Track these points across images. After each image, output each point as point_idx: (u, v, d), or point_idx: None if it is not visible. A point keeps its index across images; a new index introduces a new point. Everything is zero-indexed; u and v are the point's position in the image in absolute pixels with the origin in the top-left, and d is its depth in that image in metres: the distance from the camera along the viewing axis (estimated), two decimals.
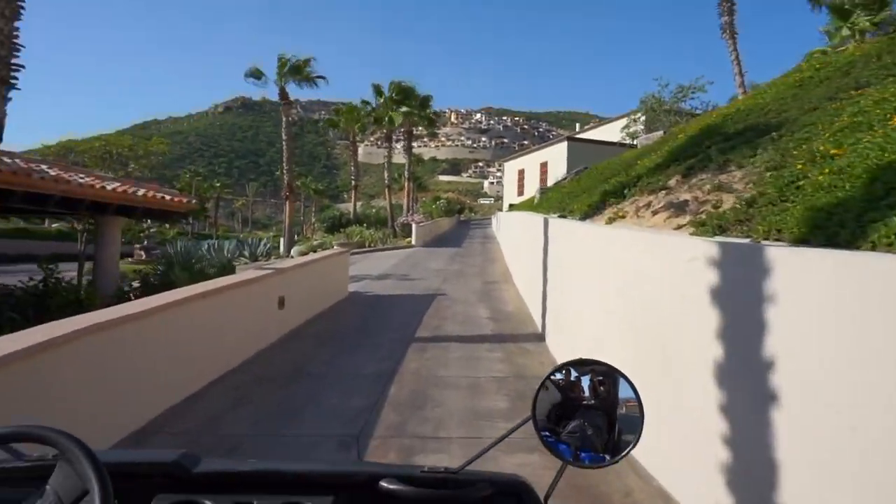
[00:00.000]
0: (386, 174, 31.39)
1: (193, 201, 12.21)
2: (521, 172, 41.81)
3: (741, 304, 3.00)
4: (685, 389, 3.53)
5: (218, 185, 75.45)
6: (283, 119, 25.52)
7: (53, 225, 73.73)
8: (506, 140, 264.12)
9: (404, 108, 29.30)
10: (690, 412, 3.44)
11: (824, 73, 8.20)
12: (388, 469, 1.17)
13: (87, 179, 9.62)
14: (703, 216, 4.75)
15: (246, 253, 24.51)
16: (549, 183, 36.45)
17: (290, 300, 7.90)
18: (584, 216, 8.01)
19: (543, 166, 38.35)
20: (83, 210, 9.94)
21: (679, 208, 5.38)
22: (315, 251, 23.77)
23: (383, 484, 1.11)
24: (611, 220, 6.42)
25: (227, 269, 11.39)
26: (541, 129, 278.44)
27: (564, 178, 15.17)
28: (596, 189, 10.34)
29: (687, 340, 3.53)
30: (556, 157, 36.56)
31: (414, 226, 25.04)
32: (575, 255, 6.16)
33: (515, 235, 14.77)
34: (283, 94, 25.24)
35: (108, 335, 4.10)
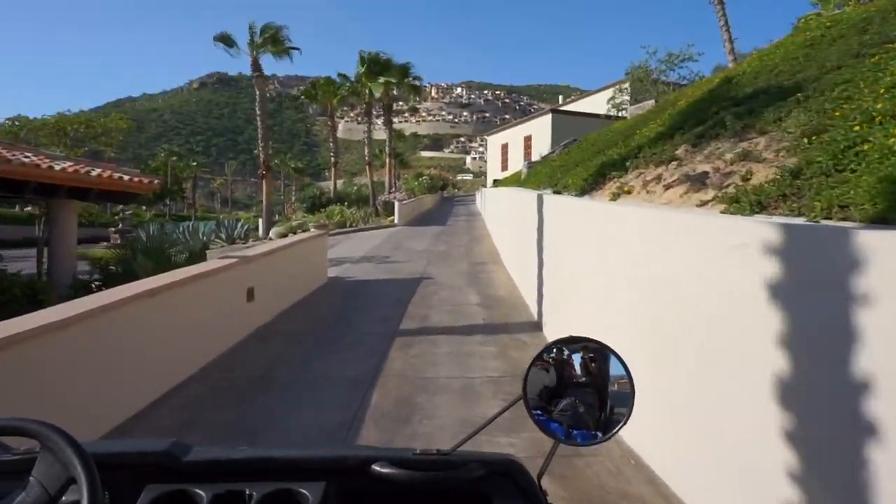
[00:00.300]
0: (366, 150, 30.36)
1: (156, 181, 11.31)
2: (505, 147, 40.98)
3: (817, 303, 2.31)
4: (723, 408, 2.87)
5: (195, 164, 73.68)
6: (258, 93, 24.39)
7: (26, 209, 71.79)
8: (487, 114, 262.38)
9: (382, 79, 28.16)
10: (730, 443, 2.77)
11: (837, 31, 7.49)
12: (380, 452, 1.18)
13: (33, 158, 8.69)
14: (733, 190, 4.05)
15: (223, 235, 23.57)
16: (535, 157, 35.69)
17: (261, 291, 7.14)
18: (582, 192, 7.29)
19: (527, 140, 37.54)
20: (30, 193, 9.02)
21: (698, 181, 4.68)
22: (294, 232, 22.89)
23: (375, 468, 1.12)
24: (615, 196, 5.71)
25: (198, 255, 10.55)
26: (522, 103, 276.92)
27: (552, 152, 14.43)
28: (590, 162, 9.61)
29: (735, 346, 2.85)
30: (540, 131, 35.75)
31: (396, 204, 24.21)
32: (576, 235, 5.45)
33: (503, 213, 14.07)
34: (256, 66, 24.06)
35: (17, 352, 3.31)
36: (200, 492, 1.03)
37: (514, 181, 18.02)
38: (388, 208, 26.24)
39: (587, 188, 7.25)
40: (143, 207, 69.34)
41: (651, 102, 14.86)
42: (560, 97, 46.67)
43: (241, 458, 1.18)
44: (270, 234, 23.31)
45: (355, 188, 33.96)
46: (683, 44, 28.82)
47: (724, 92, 7.76)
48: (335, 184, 30.76)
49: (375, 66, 28.37)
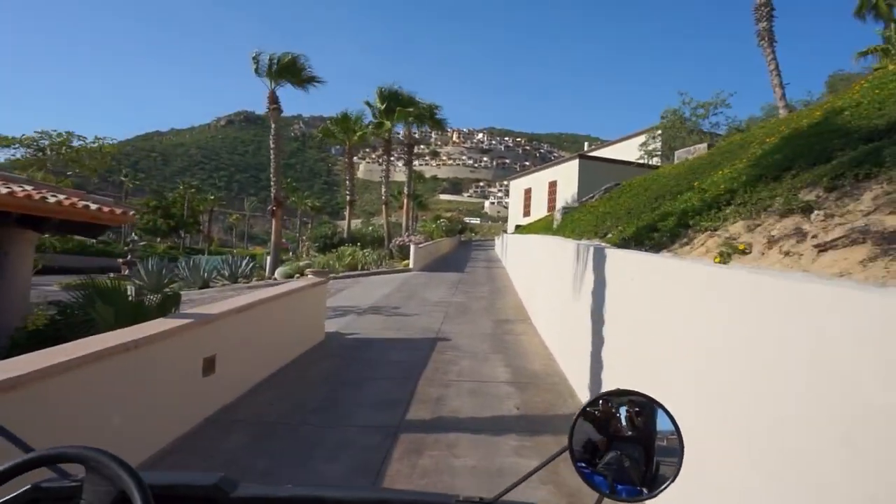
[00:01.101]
0: (383, 189, 28.92)
1: (131, 213, 9.71)
2: (528, 192, 39.51)
3: None
4: None
5: (212, 198, 73.16)
6: (272, 125, 23.12)
7: None
8: (507, 160, 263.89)
9: (400, 111, 26.89)
10: None
11: None
12: (423, 497, 1.23)
13: None
14: None
15: (225, 272, 22.01)
16: (559, 203, 34.12)
17: (228, 358, 5.41)
18: (653, 247, 5.55)
19: (552, 186, 36.04)
20: None
21: (890, 241, 2.92)
22: (302, 273, 21.26)
23: None
24: (725, 258, 3.95)
25: (169, 301, 8.85)
26: (542, 151, 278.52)
27: (591, 197, 12.75)
28: (648, 209, 7.89)
29: None
30: (566, 176, 34.26)
31: (412, 247, 22.55)
32: (677, 313, 3.66)
33: (532, 263, 12.34)
34: (273, 98, 22.89)
35: None
36: None
37: (544, 227, 16.32)
38: (404, 251, 24.58)
39: (663, 242, 5.49)
40: (158, 239, 68.72)
41: (703, 146, 13.19)
42: (586, 144, 45.32)
43: (287, 496, 1.20)
44: (276, 274, 21.71)
45: (370, 228, 32.43)
46: (712, 93, 27.63)
47: (835, 125, 6.05)
48: (349, 223, 29.22)
49: (394, 102, 27.15)
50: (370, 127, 28.45)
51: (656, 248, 5.48)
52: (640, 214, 7.84)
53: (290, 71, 22.48)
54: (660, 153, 29.46)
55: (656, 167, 26.53)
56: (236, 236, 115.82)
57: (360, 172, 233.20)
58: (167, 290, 10.04)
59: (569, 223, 11.57)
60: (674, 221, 5.66)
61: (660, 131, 29.78)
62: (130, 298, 8.65)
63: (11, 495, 1.08)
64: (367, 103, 27.61)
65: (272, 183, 23.49)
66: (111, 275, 21.83)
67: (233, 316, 5.59)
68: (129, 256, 34.73)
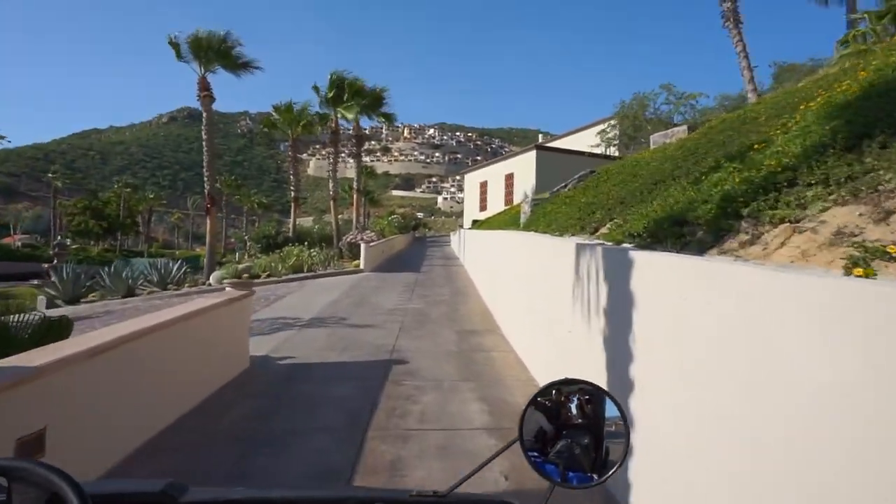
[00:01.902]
0: (331, 184, 26.85)
1: None
2: (484, 185, 38.09)
3: None
4: None
5: (151, 196, 69.07)
6: (204, 114, 20.84)
7: None
8: (459, 155, 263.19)
9: (349, 103, 24.92)
10: None
11: None
12: (377, 493, 1.19)
13: None
14: None
15: (154, 278, 19.67)
16: (517, 196, 32.78)
17: (74, 427, 3.60)
18: (686, 246, 4.02)
19: (509, 178, 34.69)
20: None
21: None
22: (239, 276, 19.14)
23: None
24: (865, 264, 2.42)
25: (58, 327, 6.83)
26: (494, 146, 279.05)
27: (563, 187, 11.25)
28: (648, 197, 6.38)
29: None
30: (523, 168, 32.94)
31: (363, 246, 20.66)
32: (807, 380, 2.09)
33: (497, 262, 10.78)
34: (203, 84, 20.61)
35: None
36: None
37: (508, 222, 14.77)
38: (355, 250, 22.67)
39: (702, 240, 3.94)
40: (92, 242, 64.43)
41: (681, 129, 11.87)
42: (540, 137, 44.17)
43: (239, 498, 1.19)
44: (211, 280, 19.52)
45: (316, 227, 30.38)
46: (656, 85, 26.98)
47: None
48: (294, 221, 27.01)
49: (341, 89, 25.14)
50: (316, 116, 26.35)
51: (695, 247, 3.92)
52: (638, 204, 6.32)
53: (219, 53, 20.21)
54: (617, 142, 28.50)
55: (614, 157, 25.48)
56: (181, 236, 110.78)
57: (311, 169, 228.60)
58: (58, 315, 7.95)
59: (541, 217, 10.04)
60: (712, 210, 4.11)
61: (614, 121, 28.80)
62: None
63: None
64: (315, 88, 25.49)
65: (205, 178, 21.22)
66: (35, 281, 19.31)
67: (82, 364, 3.73)
68: (56, 262, 31.58)
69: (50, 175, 69.22)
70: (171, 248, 75.46)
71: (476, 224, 29.32)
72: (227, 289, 7.01)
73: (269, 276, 19.23)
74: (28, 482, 0.87)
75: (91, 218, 58.18)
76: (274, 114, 26.95)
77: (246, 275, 19.32)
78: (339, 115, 25.91)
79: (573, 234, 7.21)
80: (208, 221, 21.55)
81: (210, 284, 18.88)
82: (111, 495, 1.12)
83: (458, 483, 1.14)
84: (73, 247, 59.00)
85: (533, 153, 32.15)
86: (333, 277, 18.83)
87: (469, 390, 6.14)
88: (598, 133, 28.28)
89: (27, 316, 6.84)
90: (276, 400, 5.82)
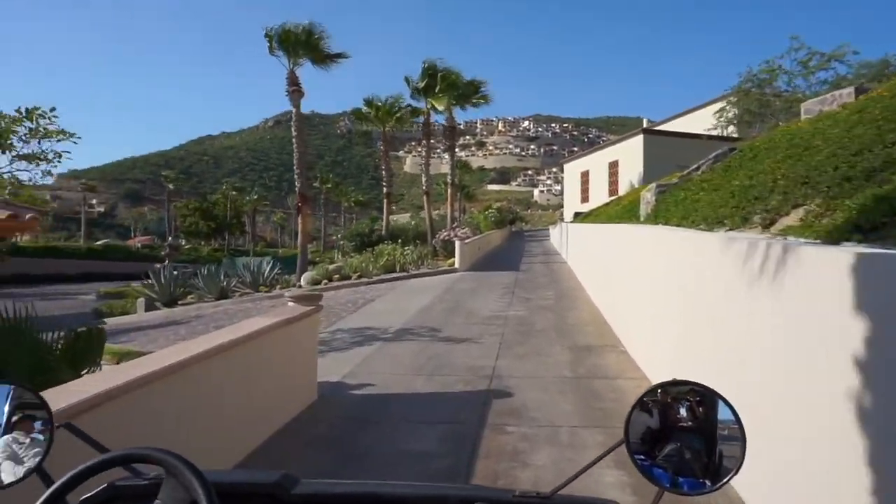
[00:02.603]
0: (423, 178, 25.74)
1: (28, 217, 6.86)
2: (585, 175, 35.69)
3: None
4: None
5: (255, 197, 71.54)
6: (293, 110, 20.24)
7: (97, 242, 71.66)
8: (555, 147, 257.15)
9: (440, 94, 23.56)
10: None
11: None
12: (480, 492, 1.21)
13: None
14: None
15: (247, 279, 19.29)
16: (623, 185, 30.25)
17: None
18: None
19: (613, 166, 32.15)
20: None
21: None
22: (330, 279, 18.38)
23: None
24: None
25: (85, 343, 5.89)
26: (591, 135, 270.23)
27: (695, 169, 9.21)
28: (856, 172, 4.44)
29: None
30: (628, 155, 30.36)
31: (458, 243, 19.26)
32: None
33: (618, 264, 8.98)
34: (293, 78, 20.00)
35: None
36: None
37: (623, 213, 12.81)
38: (449, 247, 21.33)
39: None
40: (202, 242, 67.69)
41: (847, 91, 9.46)
42: (645, 122, 41.03)
43: (347, 492, 1.23)
44: (301, 280, 18.86)
45: (413, 223, 29.39)
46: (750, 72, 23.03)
47: None
48: (387, 218, 26.04)
49: (434, 79, 23.82)
50: (408, 108, 25.26)
51: None
52: (841, 183, 4.42)
53: (307, 45, 19.49)
54: (736, 122, 25.33)
55: (736, 139, 22.53)
56: (286, 235, 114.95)
57: (407, 166, 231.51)
58: (95, 324, 7.08)
59: (672, 206, 8.13)
60: None
61: (733, 98, 25.62)
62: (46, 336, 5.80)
63: (90, 494, 1.15)
64: (407, 79, 24.37)
65: (296, 176, 20.64)
66: (147, 280, 19.51)
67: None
68: (167, 262, 32.47)
69: (162, 176, 73.52)
70: (276, 246, 78.03)
71: (579, 217, 27.19)
72: (289, 303, 5.74)
73: (359, 276, 18.29)
74: (178, 481, 0.96)
75: (201, 219, 60.84)
76: (365, 107, 26.08)
77: (337, 275, 18.51)
78: (430, 107, 24.67)
79: (732, 228, 5.37)
80: (300, 221, 20.99)
81: (300, 286, 18.21)
82: (230, 484, 1.16)
83: (563, 485, 1.12)
84: (186, 247, 62.21)
85: (640, 138, 29.52)
86: (427, 278, 17.58)
87: (597, 445, 4.49)
88: (717, 112, 25.21)
89: (60, 332, 5.99)
90: (339, 455, 4.42)
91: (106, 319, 18.16)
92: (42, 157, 8.93)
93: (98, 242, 76.54)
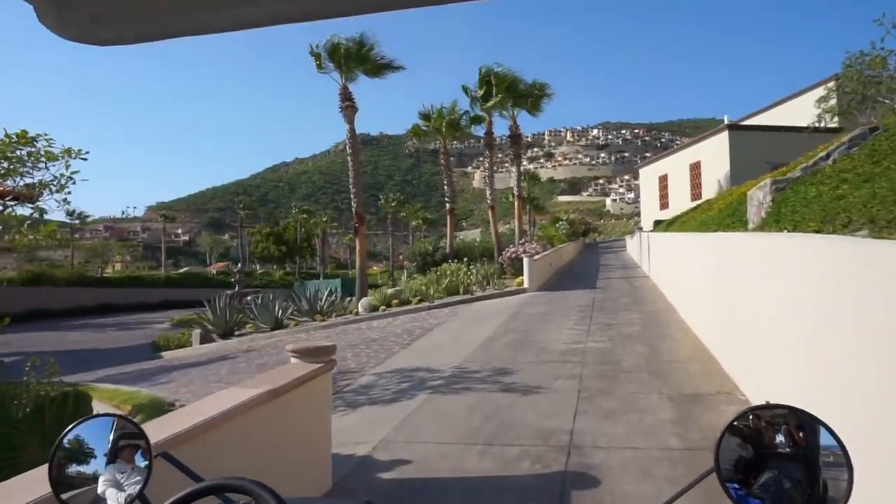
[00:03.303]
0: (488, 192, 24.17)
1: None
2: (663, 179, 33.11)
3: None
4: None
5: (324, 220, 72.04)
6: (347, 126, 19.21)
7: (179, 270, 74.17)
8: (626, 154, 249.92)
9: (498, 96, 21.90)
10: None
11: None
12: None
13: None
14: None
15: (305, 305, 18.24)
16: (707, 188, 27.57)
17: None
18: None
19: (695, 168, 29.51)
20: None
21: None
22: (388, 304, 17.04)
23: None
24: None
25: (60, 411, 4.64)
26: (663, 140, 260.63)
27: (825, 159, 7.17)
28: None
29: None
30: (713, 154, 27.71)
31: (526, 261, 17.48)
32: None
33: (733, 285, 7.08)
34: (345, 93, 19.00)
35: None
36: None
37: (720, 219, 10.77)
38: (518, 265, 19.56)
39: None
40: (274, 266, 68.68)
41: None
42: (726, 119, 37.93)
43: None
44: (360, 307, 17.62)
45: (478, 241, 27.84)
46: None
47: None
48: (451, 236, 24.52)
49: (491, 86, 22.24)
50: (467, 116, 23.79)
51: None
52: None
53: (358, 58, 18.43)
54: (838, 109, 22.29)
55: (837, 129, 19.73)
56: (357, 256, 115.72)
57: (476, 181, 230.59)
58: (69, 387, 5.85)
59: (800, 207, 6.18)
60: None
61: (832, 84, 22.67)
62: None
63: None
64: (465, 88, 23.00)
65: (352, 195, 19.54)
66: (203, 311, 18.86)
67: None
68: (237, 288, 32.00)
69: (235, 203, 75.50)
70: (346, 267, 78.33)
71: (659, 225, 24.83)
72: (292, 359, 4.27)
73: (420, 300, 16.84)
74: None
75: (273, 243, 61.63)
76: (422, 124, 24.74)
77: (395, 300, 17.15)
78: (491, 114, 23.15)
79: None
80: (357, 243, 19.87)
81: (358, 313, 16.96)
82: None
83: None
84: (259, 272, 63.12)
85: (724, 135, 26.85)
86: (493, 301, 15.92)
87: None
88: (820, 99, 22.29)
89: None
90: None
91: (163, 353, 17.59)
92: (54, 183, 7.96)
93: (181, 270, 79.45)
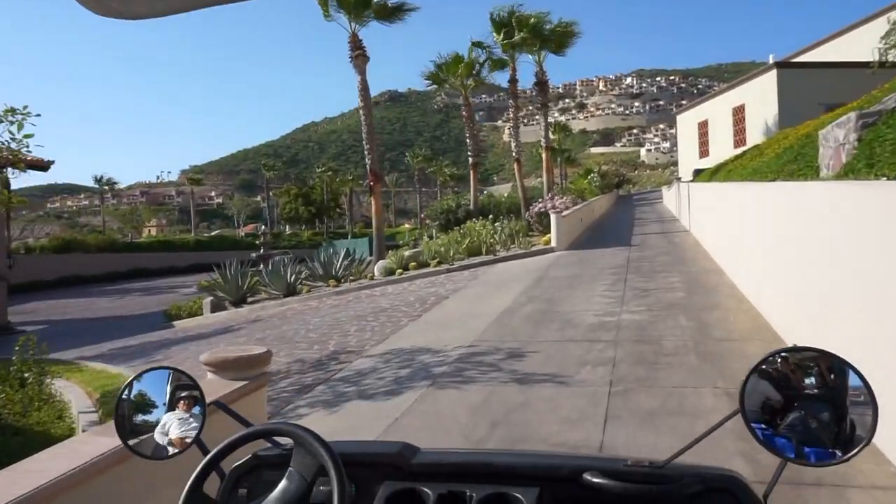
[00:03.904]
0: (513, 143, 22.52)
1: None
2: (703, 126, 30.93)
3: None
4: None
5: (350, 178, 70.94)
6: (357, 77, 17.77)
7: (205, 234, 74.53)
8: (661, 102, 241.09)
9: (522, 35, 19.97)
10: None
11: None
12: (593, 462, 1.17)
13: None
14: None
15: (319, 270, 17.22)
16: (751, 134, 25.42)
17: None
18: None
19: (738, 112, 27.28)
20: None
21: None
22: (405, 267, 15.90)
23: (587, 477, 1.10)
24: None
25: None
26: (700, 86, 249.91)
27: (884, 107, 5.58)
28: None
29: None
30: (758, 96, 25.45)
31: (553, 217, 16.00)
32: None
33: (811, 252, 5.68)
34: (355, 42, 17.51)
35: None
36: (428, 490, 1.11)
37: (783, 165, 9.19)
38: (546, 221, 18.09)
39: None
40: (303, 226, 68.20)
41: None
42: (771, 58, 35.06)
43: (463, 461, 1.26)
44: (375, 270, 16.52)
45: (504, 196, 26.35)
46: None
47: None
48: (474, 192, 23.02)
49: (511, 27, 20.31)
50: (486, 63, 21.99)
51: None
52: None
53: (364, 3, 16.81)
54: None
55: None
56: (388, 213, 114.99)
57: (506, 135, 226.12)
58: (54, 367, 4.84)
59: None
60: None
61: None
62: None
63: (238, 462, 1.28)
64: (493, 22, 21.02)
65: (366, 152, 18.24)
66: (214, 277, 18.07)
67: None
68: (262, 251, 31.11)
69: (262, 165, 74.85)
70: (369, 227, 77.67)
71: (700, 174, 22.97)
72: (209, 375, 3.12)
73: (439, 262, 15.64)
74: (306, 448, 1.07)
75: (301, 204, 60.93)
76: (439, 72, 22.91)
77: (413, 262, 15.99)
78: (514, 58, 21.33)
79: None
80: (373, 202, 18.65)
81: (374, 277, 15.87)
82: (355, 454, 1.21)
83: (677, 454, 1.07)
84: (287, 233, 62.70)
85: (772, 74, 24.55)
86: (517, 261, 14.62)
87: None
88: (885, 36, 19.84)
89: None
90: None
91: (174, 323, 16.88)
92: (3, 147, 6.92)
93: (212, 233, 79.78)
